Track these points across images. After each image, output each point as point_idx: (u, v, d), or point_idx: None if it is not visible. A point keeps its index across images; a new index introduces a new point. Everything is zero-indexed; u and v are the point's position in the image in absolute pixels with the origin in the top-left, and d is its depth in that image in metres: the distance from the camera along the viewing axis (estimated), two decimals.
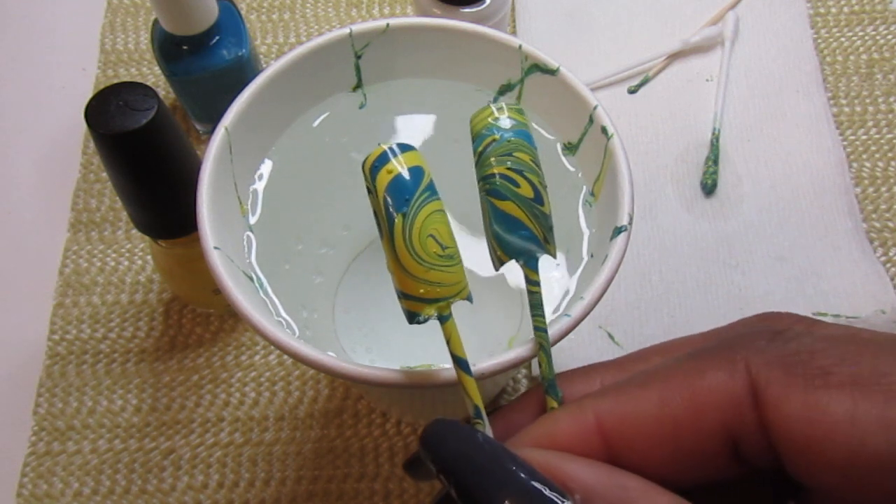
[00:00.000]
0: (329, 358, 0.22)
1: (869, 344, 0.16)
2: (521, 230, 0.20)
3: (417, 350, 0.29)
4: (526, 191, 0.20)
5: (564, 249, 0.27)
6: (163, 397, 0.38)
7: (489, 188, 0.20)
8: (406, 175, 0.18)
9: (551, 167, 0.28)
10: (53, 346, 0.40)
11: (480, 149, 0.20)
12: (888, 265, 0.40)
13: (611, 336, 0.38)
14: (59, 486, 0.36)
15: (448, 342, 0.20)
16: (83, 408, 0.38)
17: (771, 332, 0.17)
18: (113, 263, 0.42)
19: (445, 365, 0.22)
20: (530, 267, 0.20)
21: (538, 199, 0.20)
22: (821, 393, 0.15)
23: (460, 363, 0.20)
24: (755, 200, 0.41)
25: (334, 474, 0.36)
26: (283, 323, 0.25)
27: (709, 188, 0.41)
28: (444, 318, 0.19)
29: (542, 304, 0.21)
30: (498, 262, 0.21)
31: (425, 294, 0.19)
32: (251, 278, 0.26)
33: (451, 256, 0.19)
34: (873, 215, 0.42)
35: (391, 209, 0.18)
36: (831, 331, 0.18)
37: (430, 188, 0.19)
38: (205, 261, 0.23)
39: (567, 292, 0.26)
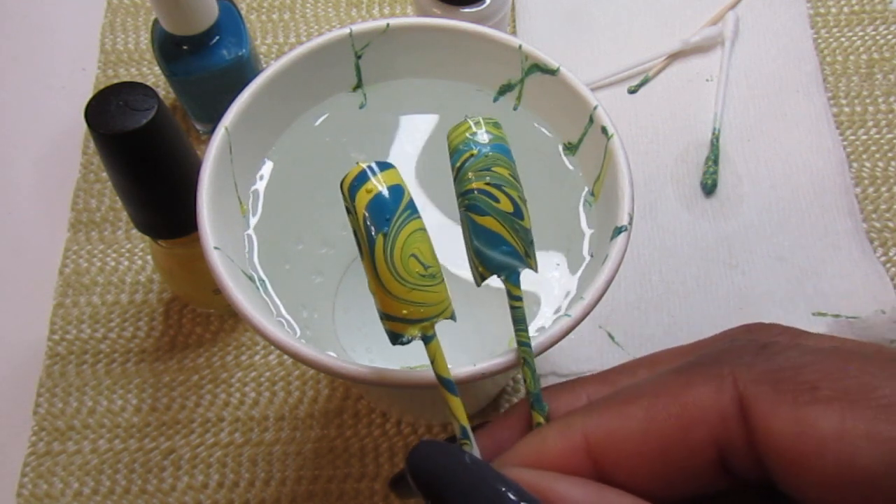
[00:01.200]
0: (329, 358, 0.22)
1: (855, 357, 0.16)
2: (501, 245, 0.20)
3: (418, 350, 0.29)
4: (505, 205, 0.20)
5: (565, 249, 0.27)
6: (163, 397, 0.38)
7: (468, 203, 0.20)
8: (386, 194, 0.18)
9: (551, 167, 0.28)
10: (53, 346, 0.40)
11: (458, 164, 0.20)
12: (888, 265, 0.40)
13: (611, 336, 0.38)
14: (59, 486, 0.36)
15: (432, 363, 0.19)
16: (83, 408, 0.38)
17: (757, 346, 0.17)
18: (113, 263, 0.42)
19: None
20: (512, 282, 0.20)
21: (518, 213, 0.20)
22: (809, 408, 0.15)
23: (445, 384, 0.19)
24: (755, 200, 0.41)
25: (334, 474, 0.36)
26: (284, 323, 0.25)
27: (709, 188, 0.41)
28: (428, 339, 0.19)
29: (524, 319, 0.21)
30: (479, 278, 0.21)
31: (409, 315, 0.19)
32: (251, 278, 0.26)
33: (434, 276, 0.19)
34: (873, 215, 0.42)
35: (372, 229, 0.18)
36: (817, 343, 0.18)
37: (411, 206, 0.18)
38: (205, 261, 0.23)
39: (567, 292, 0.26)
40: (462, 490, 0.16)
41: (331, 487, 0.36)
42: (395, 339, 0.19)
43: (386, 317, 0.19)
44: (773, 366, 0.16)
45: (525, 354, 0.21)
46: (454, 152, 0.20)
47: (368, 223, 0.18)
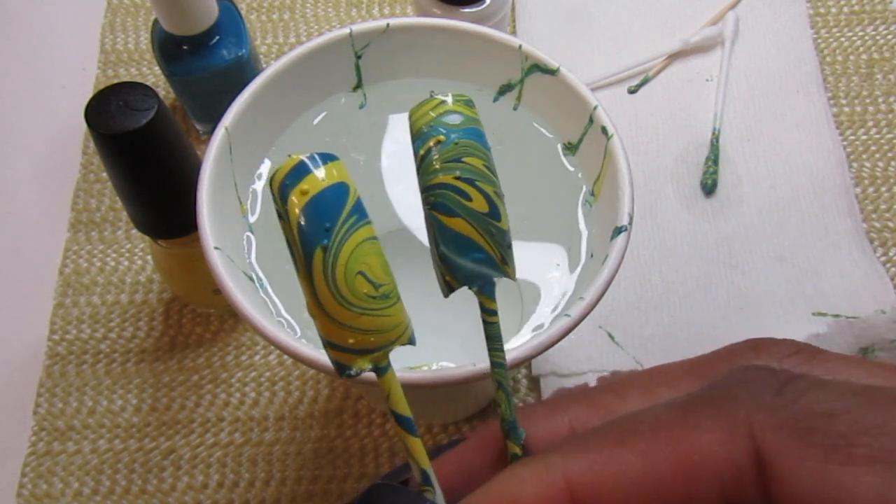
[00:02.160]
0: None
1: None
2: (473, 252, 0.17)
3: (418, 350, 0.29)
4: (479, 204, 0.17)
5: (564, 249, 0.27)
6: (163, 397, 0.38)
7: (434, 201, 0.17)
8: (326, 195, 0.15)
9: (551, 167, 0.28)
10: (53, 346, 0.40)
11: (422, 151, 0.17)
12: (888, 265, 0.40)
13: (611, 336, 0.38)
14: (59, 486, 0.36)
15: (387, 399, 0.17)
16: (83, 408, 0.38)
17: (777, 382, 0.15)
18: (113, 263, 0.42)
19: (445, 365, 0.22)
20: (486, 294, 0.17)
21: (494, 213, 0.17)
22: (844, 469, 0.13)
23: (402, 422, 0.17)
24: (755, 200, 0.41)
25: (334, 474, 0.36)
26: (284, 323, 0.25)
27: (709, 188, 0.41)
28: (381, 371, 0.16)
29: (500, 336, 0.18)
30: (447, 289, 0.18)
31: (356, 344, 0.16)
32: (251, 278, 0.26)
33: (387, 295, 0.16)
34: (873, 215, 0.42)
35: (308, 241, 0.15)
36: (840, 368, 0.16)
37: (358, 210, 0.15)
38: (205, 261, 0.23)
39: (566, 292, 0.26)
40: None
41: (331, 487, 0.36)
42: (342, 370, 0.16)
43: (329, 345, 0.16)
44: (797, 410, 0.14)
45: (499, 377, 0.18)
46: (417, 136, 0.17)
47: (304, 234, 0.15)
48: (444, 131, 0.17)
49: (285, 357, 0.39)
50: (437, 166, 0.16)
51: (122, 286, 0.41)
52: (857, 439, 0.13)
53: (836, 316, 0.37)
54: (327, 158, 0.15)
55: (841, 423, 0.13)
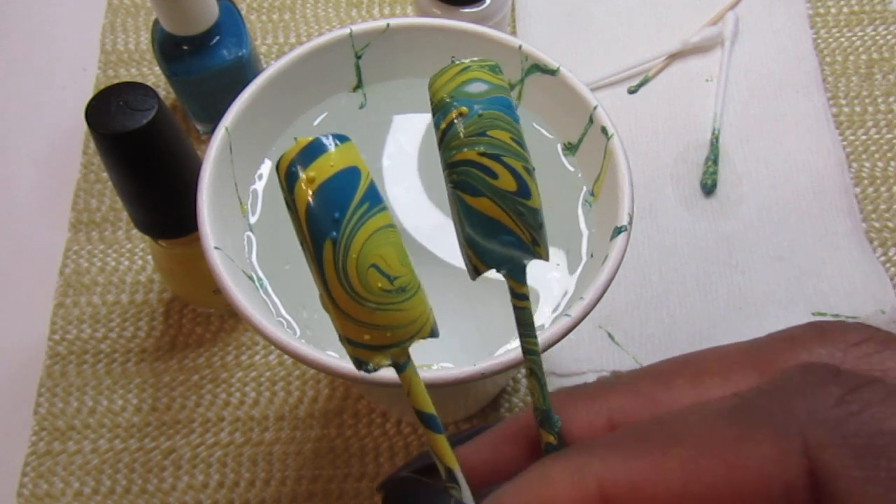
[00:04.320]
0: (329, 358, 0.22)
1: None
2: (501, 234, 0.16)
3: (418, 350, 0.29)
4: (506, 182, 0.15)
5: (564, 249, 0.27)
6: (163, 397, 0.38)
7: (457, 179, 0.15)
8: (334, 182, 0.14)
9: (551, 167, 0.28)
10: (54, 346, 0.40)
11: (444, 125, 0.15)
12: (888, 265, 0.40)
13: (611, 336, 0.38)
14: (60, 486, 0.37)
15: (408, 395, 0.16)
16: (83, 407, 0.38)
17: (840, 389, 0.13)
18: (113, 263, 0.42)
19: (445, 365, 0.22)
20: (515, 278, 0.16)
21: (523, 191, 0.16)
22: None
23: (427, 420, 0.16)
24: (755, 200, 0.41)
25: (334, 474, 0.36)
26: (284, 323, 0.26)
27: (709, 188, 0.41)
28: (400, 367, 0.15)
29: (532, 322, 0.17)
30: (474, 272, 0.17)
31: (372, 341, 0.15)
32: (251, 278, 0.26)
33: (404, 288, 0.15)
34: (873, 215, 0.42)
35: (316, 234, 0.14)
36: None
37: (370, 196, 0.14)
38: (205, 261, 0.23)
39: (566, 292, 0.26)
40: None
41: (331, 487, 0.36)
42: (359, 366, 0.15)
43: (346, 340, 0.15)
44: (862, 427, 0.12)
45: (532, 364, 0.17)
46: (438, 108, 0.16)
47: (312, 225, 0.14)
48: (465, 103, 0.15)
49: (285, 357, 0.39)
50: (459, 142, 0.15)
51: (122, 286, 0.41)
52: None
53: (836, 316, 0.37)
54: (337, 140, 0.14)
55: None
